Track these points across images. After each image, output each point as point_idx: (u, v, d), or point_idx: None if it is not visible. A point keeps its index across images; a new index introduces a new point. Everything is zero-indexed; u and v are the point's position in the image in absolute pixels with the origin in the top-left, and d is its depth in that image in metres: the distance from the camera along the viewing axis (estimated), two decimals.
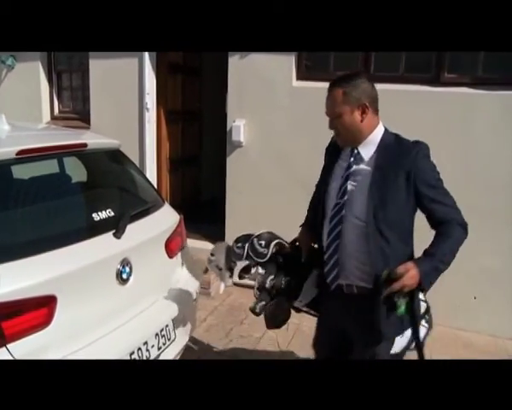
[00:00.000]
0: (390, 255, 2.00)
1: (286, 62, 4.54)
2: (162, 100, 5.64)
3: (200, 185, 6.88)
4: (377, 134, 2.07)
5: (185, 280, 2.95)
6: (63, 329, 2.11)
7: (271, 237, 2.40)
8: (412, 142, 2.05)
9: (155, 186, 5.51)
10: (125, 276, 2.41)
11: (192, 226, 4.44)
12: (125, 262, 2.41)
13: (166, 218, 2.88)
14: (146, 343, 2.47)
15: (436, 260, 1.96)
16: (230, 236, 4.87)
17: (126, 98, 5.52)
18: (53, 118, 6.41)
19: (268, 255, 2.34)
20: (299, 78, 4.60)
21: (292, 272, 2.38)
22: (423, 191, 2.00)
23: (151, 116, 5.49)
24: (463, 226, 2.02)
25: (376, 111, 2.06)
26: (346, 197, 2.08)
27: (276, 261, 2.39)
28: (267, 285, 2.35)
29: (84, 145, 2.68)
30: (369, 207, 2.00)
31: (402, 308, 1.91)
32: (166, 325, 2.65)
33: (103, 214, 2.44)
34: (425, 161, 2.02)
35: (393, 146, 2.05)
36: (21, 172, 2.53)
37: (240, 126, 4.73)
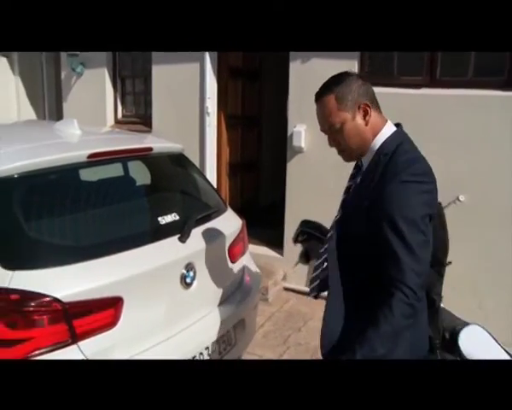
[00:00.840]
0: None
1: (348, 67, 4.42)
2: (222, 104, 5.68)
3: (259, 190, 6.88)
4: (379, 139, 1.70)
5: (247, 286, 2.93)
6: (128, 330, 2.15)
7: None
8: (405, 160, 1.61)
9: None
10: (188, 280, 2.42)
11: (251, 231, 4.43)
12: (190, 267, 2.42)
13: (230, 223, 2.88)
14: (208, 348, 2.48)
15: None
16: (289, 242, 4.84)
17: (187, 102, 5.59)
18: (116, 122, 6.60)
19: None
20: None
21: None
22: (378, 229, 1.57)
23: (211, 120, 5.53)
24: (406, 302, 1.49)
25: (379, 110, 1.73)
26: (337, 214, 1.84)
27: None
28: None
29: (150, 149, 2.72)
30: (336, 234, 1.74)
31: None
32: (228, 331, 2.65)
33: (169, 218, 2.46)
34: (398, 187, 1.56)
35: (382, 162, 1.65)
36: (88, 175, 2.60)
37: (301, 132, 4.68)
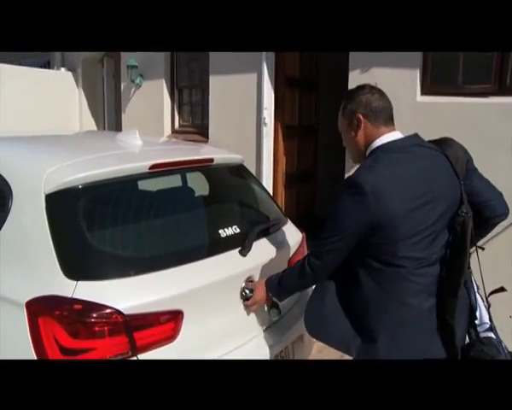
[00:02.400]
0: None
1: (410, 76, 4.33)
2: (279, 114, 5.65)
3: (315, 201, 6.79)
4: (369, 149, 1.91)
5: (306, 300, 2.85)
6: (187, 344, 2.11)
7: None
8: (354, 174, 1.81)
9: None
10: (247, 293, 2.37)
11: (308, 244, 4.35)
12: (250, 280, 2.37)
13: (290, 236, 2.81)
14: None
15: (278, 278, 2.16)
16: None
17: (244, 112, 5.60)
18: (173, 131, 6.70)
19: None
20: (424, 92, 4.34)
21: None
22: None
23: (268, 130, 5.51)
24: (309, 264, 1.98)
25: (378, 123, 1.88)
26: None
27: None
28: None
29: (211, 160, 2.69)
30: None
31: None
32: (286, 347, 2.58)
33: (229, 231, 2.42)
34: (336, 197, 1.88)
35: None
36: (148, 185, 2.60)
37: None
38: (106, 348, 1.91)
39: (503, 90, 3.93)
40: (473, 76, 4.15)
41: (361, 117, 1.88)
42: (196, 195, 2.95)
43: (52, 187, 2.04)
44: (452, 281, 1.80)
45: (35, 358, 1.85)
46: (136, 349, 1.95)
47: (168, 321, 2.03)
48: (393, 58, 4.26)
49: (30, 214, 2.06)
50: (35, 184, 2.07)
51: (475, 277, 2.03)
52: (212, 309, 2.23)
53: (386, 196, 1.72)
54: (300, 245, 2.86)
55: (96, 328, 1.90)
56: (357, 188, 1.74)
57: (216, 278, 2.22)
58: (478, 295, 2.01)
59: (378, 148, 1.86)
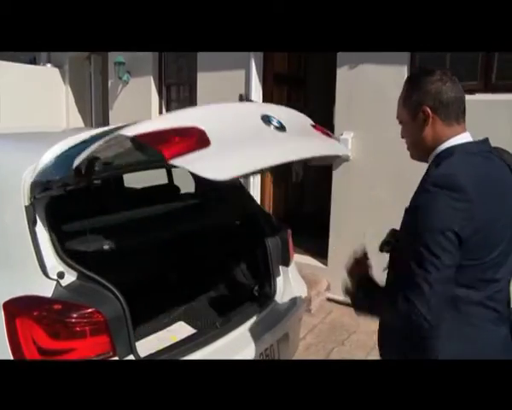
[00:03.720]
0: None
1: (398, 72, 4.32)
2: None
3: (304, 197, 6.78)
4: (441, 147, 1.60)
5: (292, 298, 2.84)
6: None
7: None
8: (440, 171, 1.52)
9: (259, 198, 5.51)
10: None
11: (295, 240, 4.35)
12: None
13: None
14: None
15: None
16: (334, 251, 4.74)
17: None
18: None
19: None
20: None
21: None
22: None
23: None
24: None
25: (449, 119, 1.59)
26: None
27: None
28: None
29: None
30: None
31: None
32: (271, 345, 2.56)
33: None
34: (419, 196, 1.51)
35: (430, 169, 1.59)
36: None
37: (347, 140, 4.58)
38: (87, 348, 1.88)
39: (488, 88, 3.95)
40: (460, 73, 4.15)
41: (429, 111, 1.58)
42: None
43: (32, 187, 1.99)
44: None
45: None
46: None
47: None
48: (381, 55, 4.25)
49: (9, 214, 2.03)
50: (14, 183, 2.02)
51: None
52: None
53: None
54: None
55: (77, 328, 1.87)
56: (453, 191, 1.44)
57: None
58: None
59: (455, 147, 1.58)
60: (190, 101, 6.41)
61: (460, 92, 1.61)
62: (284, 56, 5.84)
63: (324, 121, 5.95)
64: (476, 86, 4.00)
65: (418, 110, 1.59)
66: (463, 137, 1.60)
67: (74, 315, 1.85)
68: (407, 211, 1.57)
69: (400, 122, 1.70)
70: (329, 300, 4.85)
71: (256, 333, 2.50)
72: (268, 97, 5.58)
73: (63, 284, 1.90)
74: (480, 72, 4.03)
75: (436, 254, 1.41)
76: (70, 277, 1.93)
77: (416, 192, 1.55)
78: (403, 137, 1.72)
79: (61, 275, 1.90)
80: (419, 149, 1.66)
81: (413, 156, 1.72)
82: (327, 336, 4.22)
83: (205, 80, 5.82)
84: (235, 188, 3.01)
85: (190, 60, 6.17)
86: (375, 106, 4.45)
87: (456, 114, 1.60)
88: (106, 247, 2.19)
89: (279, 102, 5.85)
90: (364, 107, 4.53)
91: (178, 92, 6.76)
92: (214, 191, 3.03)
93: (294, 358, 3.15)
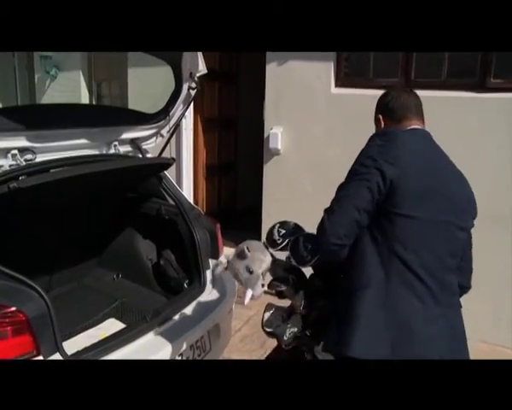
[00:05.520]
0: None
1: (324, 69, 4.46)
2: (199, 107, 5.63)
3: (237, 193, 6.85)
4: None
5: (221, 289, 2.90)
6: None
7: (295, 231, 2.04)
8: None
9: (192, 194, 5.51)
10: None
11: (228, 234, 4.41)
12: None
13: None
14: (181, 355, 2.43)
15: None
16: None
17: (163, 105, 5.52)
18: None
19: (280, 246, 1.98)
20: (338, 85, 4.48)
21: None
22: None
23: (188, 123, 5.48)
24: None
25: (395, 119, 1.92)
26: None
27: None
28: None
29: None
30: None
31: None
32: (202, 337, 2.61)
33: None
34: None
35: None
36: None
37: (277, 134, 4.67)
38: (9, 349, 1.85)
39: (408, 84, 4.14)
40: (383, 70, 4.34)
41: (380, 117, 1.97)
42: None
43: None
44: None
45: None
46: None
47: None
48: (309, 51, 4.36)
49: None
50: None
51: None
52: None
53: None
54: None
55: None
56: (389, 149, 1.74)
57: None
58: None
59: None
60: (122, 97, 6.31)
61: (406, 100, 1.94)
62: (215, 52, 5.85)
63: (255, 117, 6.06)
64: (397, 83, 4.19)
65: (376, 120, 1.98)
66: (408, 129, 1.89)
67: None
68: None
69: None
70: (264, 292, 4.93)
71: (186, 325, 2.54)
72: (199, 93, 5.57)
73: None
74: (400, 69, 4.22)
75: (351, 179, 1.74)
76: None
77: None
78: None
79: None
80: None
81: None
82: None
83: (135, 76, 5.73)
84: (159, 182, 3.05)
85: (120, 54, 6.06)
86: (303, 102, 4.57)
87: (403, 115, 1.91)
88: None
89: (211, 98, 5.90)
90: (292, 102, 4.63)
91: (110, 88, 6.63)
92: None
93: (229, 349, 3.22)
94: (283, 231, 2.01)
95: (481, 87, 3.88)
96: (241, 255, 1.92)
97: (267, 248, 1.99)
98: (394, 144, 1.72)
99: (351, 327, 1.69)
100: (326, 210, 1.75)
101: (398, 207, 1.67)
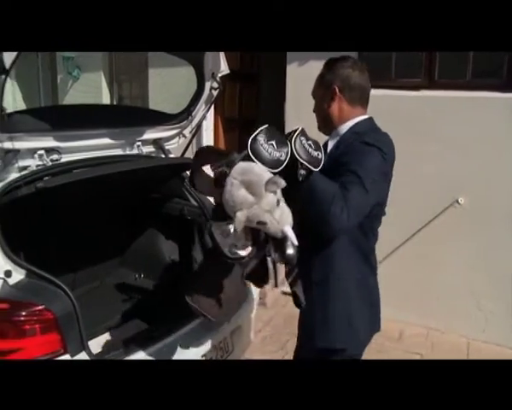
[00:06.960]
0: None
1: None
2: (220, 107, 5.63)
3: None
4: (346, 126, 1.85)
5: (244, 290, 2.88)
6: None
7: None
8: (372, 137, 1.76)
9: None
10: None
11: None
12: None
13: None
14: (204, 356, 2.43)
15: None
16: None
17: (184, 105, 5.54)
18: None
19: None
20: None
21: None
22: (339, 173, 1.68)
23: (208, 124, 5.49)
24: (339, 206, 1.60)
25: (354, 102, 1.84)
26: None
27: None
28: None
29: None
30: None
31: None
32: (225, 338, 2.60)
33: None
34: (360, 146, 1.72)
35: (352, 139, 1.79)
36: None
37: None
38: (36, 347, 1.87)
39: (432, 84, 4.10)
40: (405, 70, 4.28)
41: (337, 90, 1.83)
42: None
43: None
44: None
45: None
46: None
47: None
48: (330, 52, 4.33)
49: None
50: None
51: None
52: None
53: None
54: None
55: (26, 327, 1.85)
56: (384, 145, 1.75)
57: None
58: None
59: (362, 122, 1.85)
60: (143, 97, 6.34)
61: (366, 82, 1.87)
62: (237, 52, 5.85)
63: (276, 117, 6.03)
64: (420, 83, 4.14)
65: (329, 88, 1.84)
66: (360, 118, 1.86)
67: (23, 314, 1.84)
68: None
69: (314, 98, 1.95)
70: (284, 293, 4.92)
71: (210, 326, 2.53)
72: (220, 94, 5.58)
73: (10, 283, 1.87)
74: (424, 69, 4.16)
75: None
76: (18, 275, 1.91)
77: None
78: (314, 112, 1.97)
79: (7, 274, 1.88)
80: (326, 123, 1.91)
81: (320, 129, 1.98)
82: (282, 328, 4.28)
83: (156, 76, 5.76)
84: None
85: (141, 55, 6.10)
86: None
87: (359, 98, 1.85)
88: None
89: (231, 98, 5.90)
90: (313, 103, 4.59)
91: (130, 88, 6.67)
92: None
93: (250, 350, 3.21)
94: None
95: (508, 87, 3.81)
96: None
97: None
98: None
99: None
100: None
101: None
